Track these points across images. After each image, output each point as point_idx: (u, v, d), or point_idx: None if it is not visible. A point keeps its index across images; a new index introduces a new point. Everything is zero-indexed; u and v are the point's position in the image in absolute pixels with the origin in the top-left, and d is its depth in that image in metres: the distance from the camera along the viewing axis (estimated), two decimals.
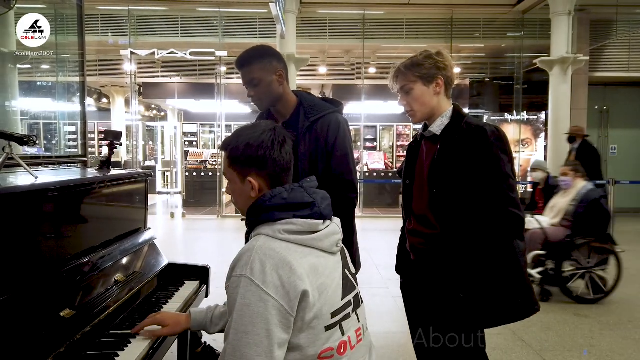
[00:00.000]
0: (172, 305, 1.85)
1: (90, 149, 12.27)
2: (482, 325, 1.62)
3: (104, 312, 1.51)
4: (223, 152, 1.26)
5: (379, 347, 3.19)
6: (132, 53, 9.23)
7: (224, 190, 10.06)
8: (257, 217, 1.19)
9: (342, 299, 1.18)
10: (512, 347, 3.22)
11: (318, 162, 1.82)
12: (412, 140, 1.87)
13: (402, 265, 1.88)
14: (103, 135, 2.18)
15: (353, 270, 1.31)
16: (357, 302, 1.26)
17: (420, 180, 1.72)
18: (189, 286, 2.08)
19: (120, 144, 2.11)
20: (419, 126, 1.83)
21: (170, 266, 2.18)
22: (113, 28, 9.76)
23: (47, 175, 1.75)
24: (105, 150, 2.16)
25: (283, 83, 1.84)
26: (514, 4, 9.25)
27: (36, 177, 1.50)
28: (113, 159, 2.14)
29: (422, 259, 1.72)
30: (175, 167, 13.19)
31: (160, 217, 9.58)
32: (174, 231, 8.13)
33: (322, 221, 1.20)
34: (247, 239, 1.22)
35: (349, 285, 1.23)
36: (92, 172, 2.11)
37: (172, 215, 9.32)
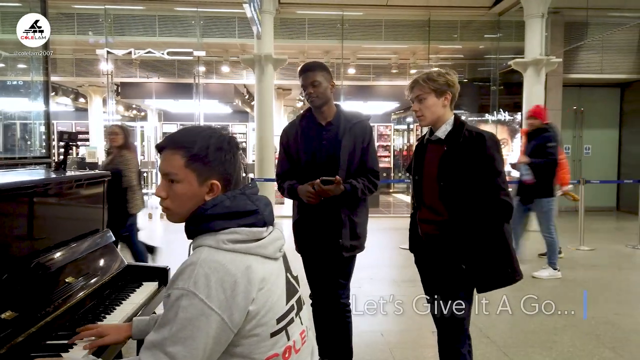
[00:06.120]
0: (127, 307, 1.85)
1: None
2: (479, 289, 2.02)
3: (51, 314, 1.51)
4: (172, 150, 1.17)
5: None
6: (108, 52, 9.13)
7: None
8: (197, 226, 1.16)
9: (287, 304, 1.18)
10: (476, 344, 3.25)
11: (354, 155, 2.41)
12: (417, 143, 2.27)
13: (414, 245, 2.28)
14: (58, 136, 2.17)
15: (295, 273, 1.32)
16: (300, 304, 1.26)
17: (428, 175, 2.10)
18: (147, 287, 2.08)
19: (77, 145, 2.09)
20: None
21: (129, 267, 2.18)
22: (89, 27, 9.63)
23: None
24: (82, 151, 2.15)
25: (332, 93, 2.46)
26: (490, 6, 9.36)
27: None
28: (89, 160, 2.14)
29: (432, 241, 2.12)
30: (154, 167, 13.06)
31: (139, 218, 9.47)
32: (151, 233, 8.06)
33: (265, 228, 1.19)
34: None
35: (291, 289, 1.23)
36: (47, 174, 2.09)
37: (150, 216, 9.24)
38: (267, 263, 1.16)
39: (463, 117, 9.43)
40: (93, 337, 1.39)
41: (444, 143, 2.04)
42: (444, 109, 2.05)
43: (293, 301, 1.22)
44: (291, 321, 1.18)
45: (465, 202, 1.96)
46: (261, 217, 1.19)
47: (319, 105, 2.42)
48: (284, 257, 1.28)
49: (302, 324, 1.24)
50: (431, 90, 2.01)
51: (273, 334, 1.12)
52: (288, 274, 1.25)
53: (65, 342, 1.40)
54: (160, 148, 1.21)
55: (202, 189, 1.17)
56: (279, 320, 1.14)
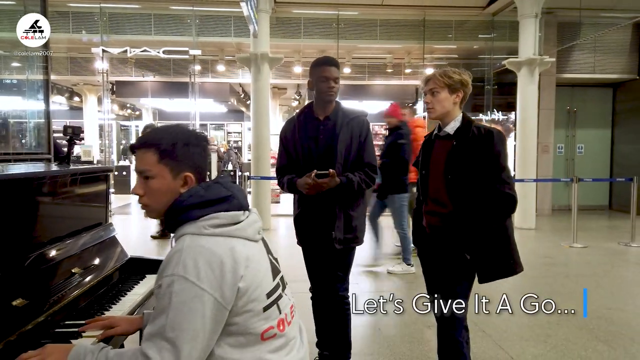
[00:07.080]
0: (131, 298, 1.88)
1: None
2: (481, 280, 2.10)
3: (57, 304, 1.54)
4: (144, 149, 1.24)
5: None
6: (103, 51, 9.11)
7: None
8: (176, 218, 1.21)
9: (273, 280, 1.26)
10: (472, 337, 3.26)
11: (351, 149, 2.47)
12: (425, 139, 2.35)
13: (418, 237, 2.35)
14: (62, 131, 2.19)
15: (275, 256, 1.39)
16: (284, 282, 1.34)
17: (435, 169, 2.18)
18: (150, 280, 2.10)
19: (80, 140, 2.12)
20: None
21: (132, 260, 2.21)
22: (84, 25, 9.61)
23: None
24: (77, 149, 2.18)
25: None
26: (484, 6, 9.43)
27: None
28: (84, 158, 2.16)
29: (437, 232, 2.19)
30: None
31: (135, 217, 9.48)
32: (147, 230, 8.06)
33: (242, 212, 1.25)
34: None
35: (275, 269, 1.31)
36: (49, 167, 2.12)
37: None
38: (248, 245, 1.22)
39: None
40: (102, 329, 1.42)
41: (452, 138, 2.13)
42: (454, 106, 2.14)
43: (278, 279, 1.29)
44: (280, 296, 1.26)
45: (471, 195, 2.05)
46: (237, 202, 1.25)
47: (331, 101, 2.51)
48: (264, 240, 1.35)
49: (290, 300, 1.33)
50: (445, 85, 2.10)
51: (265, 308, 1.19)
52: (269, 256, 1.32)
53: (75, 330, 1.43)
54: (133, 149, 1.28)
55: (176, 183, 1.24)
56: (268, 295, 1.21)
